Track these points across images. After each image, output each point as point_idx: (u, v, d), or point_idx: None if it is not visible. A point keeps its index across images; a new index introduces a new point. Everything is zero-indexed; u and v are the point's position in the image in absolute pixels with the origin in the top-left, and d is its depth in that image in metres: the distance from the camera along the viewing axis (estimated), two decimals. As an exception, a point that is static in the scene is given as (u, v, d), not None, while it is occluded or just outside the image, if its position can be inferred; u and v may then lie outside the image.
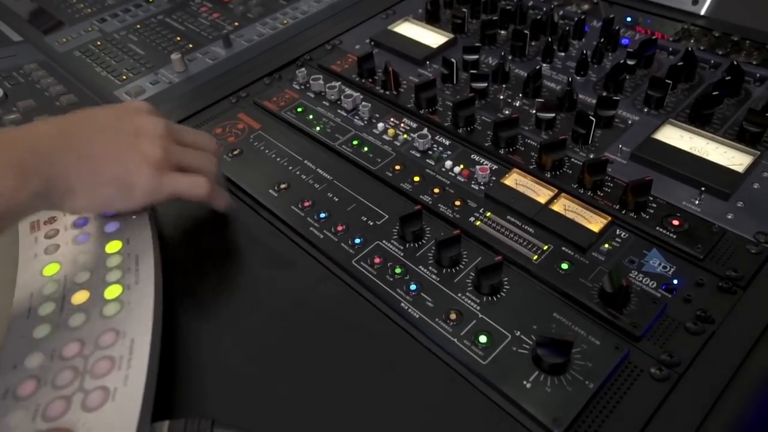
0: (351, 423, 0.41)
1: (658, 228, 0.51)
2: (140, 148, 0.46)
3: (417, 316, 0.47)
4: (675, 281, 0.47)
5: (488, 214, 0.54)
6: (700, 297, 0.46)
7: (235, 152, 0.63)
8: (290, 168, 0.61)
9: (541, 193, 0.55)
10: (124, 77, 0.76)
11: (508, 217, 0.54)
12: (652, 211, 0.53)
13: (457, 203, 0.55)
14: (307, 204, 0.56)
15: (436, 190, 0.57)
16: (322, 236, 0.53)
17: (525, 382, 0.42)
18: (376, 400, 0.42)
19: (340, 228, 0.54)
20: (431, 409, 0.41)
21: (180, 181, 0.48)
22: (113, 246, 0.46)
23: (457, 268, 0.50)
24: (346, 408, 0.42)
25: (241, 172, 0.61)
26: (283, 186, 0.58)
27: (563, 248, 0.51)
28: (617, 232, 0.52)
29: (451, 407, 0.41)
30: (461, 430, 0.40)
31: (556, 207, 0.54)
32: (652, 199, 0.53)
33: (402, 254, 0.51)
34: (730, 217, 0.52)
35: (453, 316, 0.46)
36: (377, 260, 0.51)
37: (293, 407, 0.42)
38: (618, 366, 0.42)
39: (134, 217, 0.48)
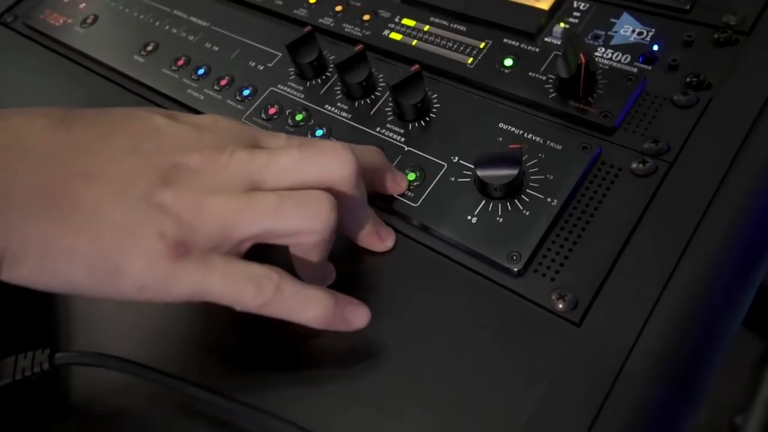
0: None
1: (626, -15, 0.38)
2: (160, 202, 0.25)
3: (327, 166, 0.36)
4: (655, 47, 0.35)
5: (405, 21, 0.42)
6: (691, 58, 0.34)
7: (88, 20, 0.50)
8: (157, 24, 0.48)
9: (471, -20, 0.42)
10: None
11: (432, 19, 0.41)
12: (616, -34, 0.39)
13: (366, 17, 0.43)
14: (180, 62, 0.44)
15: (338, 8, 0.44)
16: (202, 97, 0.42)
17: (470, 217, 0.32)
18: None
19: (223, 82, 0.42)
20: (359, 274, 0.32)
21: (233, 285, 0.26)
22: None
23: (373, 96, 0.38)
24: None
25: (98, 43, 0.48)
26: (149, 48, 0.46)
27: (505, 40, 0.38)
28: (574, 4, 0.39)
29: (383, 267, 0.32)
30: (398, 291, 0.31)
31: (492, -9, 0.41)
32: (616, -50, 0.40)
33: (302, 96, 0.40)
34: (722, -52, 0.38)
35: (372, 156, 0.36)
36: (272, 110, 0.39)
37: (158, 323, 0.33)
38: (587, 171, 0.32)
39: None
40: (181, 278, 0.25)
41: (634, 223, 0.30)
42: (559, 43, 0.37)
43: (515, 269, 0.30)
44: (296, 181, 0.27)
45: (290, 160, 0.27)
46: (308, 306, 0.26)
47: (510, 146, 0.30)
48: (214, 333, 0.30)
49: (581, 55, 0.32)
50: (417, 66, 0.35)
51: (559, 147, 0.33)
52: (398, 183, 0.33)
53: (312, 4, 0.45)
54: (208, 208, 0.25)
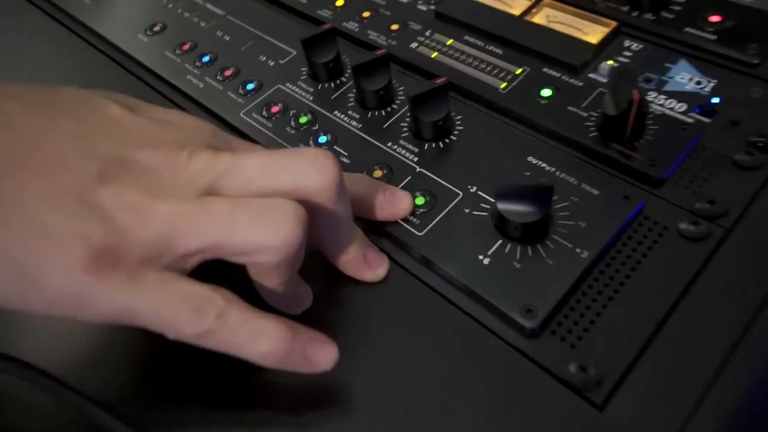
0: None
1: (687, 29, 0.34)
2: (94, 200, 0.20)
3: (325, 177, 0.31)
4: (715, 99, 0.31)
5: (437, 36, 0.38)
6: (756, 117, 0.30)
7: (97, -7, 0.47)
8: (169, 6, 0.44)
9: (515, 4, 0.38)
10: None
11: (467, 38, 0.37)
12: (678, 8, 0.35)
13: (394, 27, 0.39)
14: (186, 47, 0.40)
15: (366, 14, 0.40)
16: (202, 85, 0.38)
17: (481, 258, 0.27)
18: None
19: (228, 73, 0.38)
20: (341, 305, 0.27)
21: (165, 308, 0.21)
22: None
23: (389, 108, 0.34)
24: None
25: (103, 17, 0.44)
26: (156, 28, 0.42)
27: (545, 70, 0.34)
28: (626, 44, 0.35)
29: (371, 301, 0.27)
30: (385, 333, 0.26)
31: (538, 18, 0.37)
32: (678, -7, 0.36)
33: (311, 98, 0.35)
34: (797, 6, 0.35)
35: (378, 173, 0.31)
36: (275, 109, 0.35)
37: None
38: (627, 224, 0.27)
39: None
40: (101, 295, 0.20)
41: (678, 293, 0.25)
42: (604, 80, 0.33)
43: (529, 327, 0.24)
44: (265, 189, 0.22)
45: (258, 164, 0.23)
46: (259, 340, 0.21)
47: (540, 180, 0.26)
48: (151, 348, 0.25)
49: (634, 91, 0.28)
50: (443, 79, 0.30)
51: (595, 192, 0.28)
52: (395, 204, 0.29)
53: (338, 6, 0.41)
54: (149, 212, 0.21)
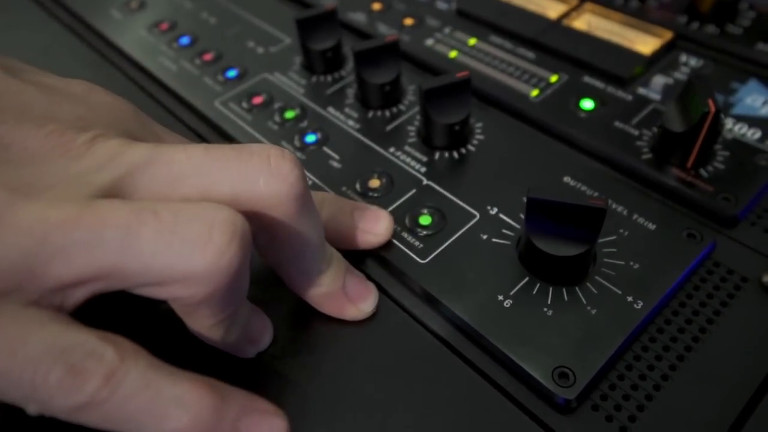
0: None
1: (758, 46, 0.29)
2: None
3: (309, 181, 0.25)
4: (798, 126, 0.25)
5: (458, 34, 0.32)
6: None
7: (75, -35, 0.41)
8: (153, -17, 0.39)
9: (550, 8, 0.33)
10: None
11: (493, 38, 0.32)
12: (747, 22, 0.30)
13: (408, 22, 0.33)
14: (163, 26, 0.35)
15: (376, 6, 0.35)
16: (174, 67, 0.32)
17: (501, 298, 0.20)
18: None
19: (207, 57, 0.32)
20: (311, 348, 0.20)
21: (22, 366, 0.14)
22: None
23: (395, 109, 0.28)
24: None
25: (77, -10, 0.39)
26: (133, 5, 0.37)
27: (586, 79, 0.28)
28: (682, 59, 0.29)
29: (354, 345, 0.20)
30: (369, 390, 0.19)
31: (577, 24, 0.32)
32: (747, 6, 0.31)
33: (302, 91, 0.29)
34: None
35: (374, 183, 0.25)
36: (257, 100, 0.29)
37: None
38: (693, 270, 0.21)
39: None
40: None
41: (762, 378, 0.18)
42: (658, 96, 0.27)
43: (564, 398, 0.18)
44: (191, 195, 0.16)
45: (187, 160, 0.16)
46: (168, 412, 0.14)
47: (591, 200, 0.19)
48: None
49: (710, 102, 0.22)
50: (466, 72, 0.24)
51: (651, 226, 0.22)
52: (367, 227, 0.22)
53: (346, -3, 0.36)
54: (9, 217, 0.14)
